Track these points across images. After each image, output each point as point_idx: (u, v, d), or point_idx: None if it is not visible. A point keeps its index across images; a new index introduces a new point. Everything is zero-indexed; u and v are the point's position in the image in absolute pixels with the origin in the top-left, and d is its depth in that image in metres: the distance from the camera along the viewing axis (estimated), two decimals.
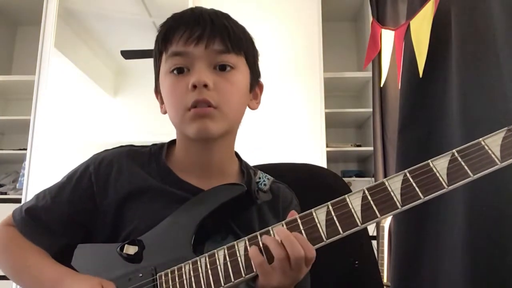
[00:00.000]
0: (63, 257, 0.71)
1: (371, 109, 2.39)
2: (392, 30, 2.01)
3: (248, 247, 0.61)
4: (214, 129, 0.70)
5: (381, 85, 2.26)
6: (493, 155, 0.56)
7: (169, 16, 0.75)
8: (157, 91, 0.78)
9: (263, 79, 0.82)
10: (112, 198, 0.72)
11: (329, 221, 0.59)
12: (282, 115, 2.33)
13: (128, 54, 2.56)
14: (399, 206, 0.57)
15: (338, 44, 3.17)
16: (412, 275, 1.45)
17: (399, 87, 1.70)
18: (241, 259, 0.60)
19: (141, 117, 2.46)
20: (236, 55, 0.72)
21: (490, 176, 0.57)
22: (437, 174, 0.57)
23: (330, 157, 2.50)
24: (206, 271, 0.61)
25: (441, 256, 1.33)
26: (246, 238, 0.62)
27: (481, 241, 1.14)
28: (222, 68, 0.71)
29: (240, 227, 0.72)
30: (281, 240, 0.58)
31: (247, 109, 0.79)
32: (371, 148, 2.37)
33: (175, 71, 0.71)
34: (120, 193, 0.72)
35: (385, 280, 1.80)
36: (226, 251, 0.62)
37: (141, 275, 0.65)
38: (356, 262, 0.92)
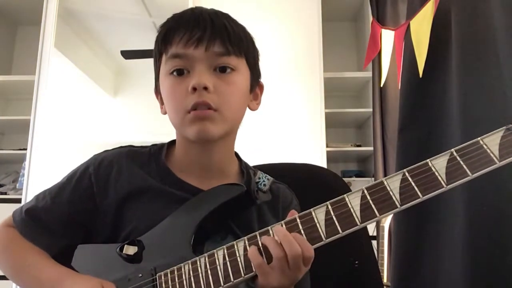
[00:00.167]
0: (63, 257, 0.71)
1: (371, 109, 2.39)
2: (392, 30, 2.01)
3: (248, 247, 0.61)
4: (214, 131, 0.70)
5: (381, 85, 2.26)
6: (491, 154, 0.56)
7: (169, 16, 0.74)
8: (157, 91, 0.78)
9: (263, 79, 0.82)
10: (112, 198, 0.72)
11: (328, 220, 0.59)
12: (282, 115, 2.33)
13: (128, 54, 2.56)
14: (398, 206, 0.57)
15: (338, 44, 3.17)
16: (412, 275, 1.45)
17: (399, 87, 1.70)
18: (240, 259, 0.60)
19: (141, 117, 2.45)
20: (237, 57, 0.71)
21: (490, 176, 0.57)
22: (436, 173, 0.57)
23: (330, 157, 2.50)
24: (206, 271, 0.61)
25: (441, 256, 1.33)
26: (245, 238, 0.62)
27: (481, 240, 1.14)
28: (222, 70, 0.70)
29: (239, 227, 0.72)
30: (279, 240, 0.58)
31: (247, 109, 0.79)
32: (371, 148, 2.37)
33: (175, 73, 0.70)
34: (120, 194, 0.72)
35: (385, 280, 1.80)
36: (225, 251, 0.62)
37: (140, 275, 0.65)
38: (356, 262, 0.92)
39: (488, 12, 1.19)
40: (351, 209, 0.59)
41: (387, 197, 0.58)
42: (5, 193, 2.79)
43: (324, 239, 0.59)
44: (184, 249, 0.65)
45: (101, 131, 2.48)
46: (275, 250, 0.58)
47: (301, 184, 0.87)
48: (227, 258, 0.61)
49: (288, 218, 0.62)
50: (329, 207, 0.60)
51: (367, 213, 0.58)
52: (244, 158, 0.84)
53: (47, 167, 2.31)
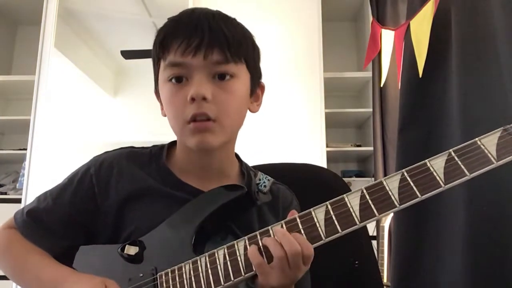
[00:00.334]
0: (65, 258, 0.71)
1: (371, 109, 2.39)
2: (392, 30, 2.02)
3: (248, 247, 0.61)
4: (214, 142, 0.70)
5: (381, 85, 2.26)
6: (489, 155, 0.57)
7: (169, 16, 0.74)
8: (157, 92, 0.78)
9: (263, 79, 0.82)
10: (113, 199, 0.73)
11: (328, 220, 0.60)
12: (282, 115, 2.33)
13: (128, 54, 2.56)
14: (397, 205, 0.58)
15: (338, 44, 3.17)
16: (412, 275, 1.45)
17: (399, 87, 1.71)
18: (241, 258, 0.61)
19: (141, 117, 2.46)
20: (236, 63, 0.70)
21: (490, 175, 0.57)
22: (434, 173, 0.58)
23: (330, 157, 2.50)
24: (206, 271, 0.61)
25: (441, 256, 1.33)
26: (246, 237, 0.62)
27: (481, 240, 1.14)
28: (221, 77, 0.69)
29: (240, 228, 0.72)
30: (279, 239, 0.58)
31: (248, 111, 0.79)
32: (371, 148, 2.37)
33: (173, 80, 0.70)
34: (121, 195, 0.73)
35: (385, 280, 1.80)
36: (226, 251, 0.62)
37: (141, 275, 0.65)
38: (356, 262, 0.92)
39: (488, 12, 1.19)
40: (351, 209, 0.59)
41: (386, 197, 0.59)
42: (5, 193, 2.79)
43: (323, 238, 0.59)
44: (185, 250, 0.65)
45: (101, 131, 2.48)
46: (276, 250, 0.58)
47: (301, 184, 0.87)
48: (227, 258, 0.61)
49: (288, 218, 0.62)
50: (329, 207, 0.61)
51: (366, 213, 0.59)
52: (244, 158, 0.84)
53: (47, 167, 2.31)
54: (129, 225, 0.71)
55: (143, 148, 0.80)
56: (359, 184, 2.79)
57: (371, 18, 2.38)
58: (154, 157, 0.78)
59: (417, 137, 1.51)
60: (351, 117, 2.99)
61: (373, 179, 2.41)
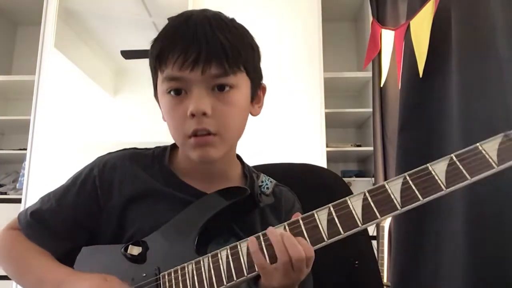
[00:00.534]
0: (68, 259, 0.71)
1: (371, 109, 2.39)
2: (392, 30, 2.02)
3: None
4: (215, 155, 0.70)
5: (381, 85, 2.26)
6: (490, 160, 0.58)
7: (169, 16, 0.72)
8: (157, 96, 0.78)
9: (263, 79, 0.81)
10: (116, 200, 0.73)
11: (330, 222, 0.60)
12: (282, 115, 2.33)
13: (128, 54, 2.56)
14: (399, 208, 0.59)
15: (338, 44, 3.17)
16: (412, 275, 1.45)
17: (399, 87, 1.71)
18: (243, 259, 0.61)
19: (141, 117, 2.45)
20: (235, 74, 0.69)
21: (490, 176, 0.58)
22: (436, 177, 0.59)
23: (330, 157, 2.50)
24: (209, 271, 0.62)
25: (441, 256, 1.33)
26: (248, 238, 0.62)
27: (481, 241, 1.14)
28: (221, 88, 0.68)
29: (242, 229, 0.72)
30: (285, 243, 0.59)
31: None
32: (371, 148, 2.37)
33: (172, 93, 0.69)
34: (124, 196, 0.73)
35: (385, 280, 1.80)
36: (228, 251, 0.62)
37: (144, 275, 0.65)
38: (356, 262, 0.92)
39: (488, 12, 1.19)
40: (353, 211, 0.60)
41: (388, 200, 0.60)
42: (5, 193, 2.79)
43: (326, 240, 0.60)
44: (188, 250, 0.66)
45: (101, 131, 2.48)
46: (281, 254, 0.58)
47: (301, 184, 0.87)
48: (230, 258, 0.62)
49: (291, 220, 0.63)
50: (331, 209, 0.61)
51: (368, 215, 0.60)
52: (244, 158, 0.84)
53: (47, 167, 2.31)
54: (132, 226, 0.71)
55: (146, 149, 0.80)
56: (359, 184, 2.80)
57: (371, 18, 2.38)
58: (157, 158, 0.78)
59: (417, 137, 1.51)
60: (351, 117, 2.99)
61: (373, 179, 2.41)
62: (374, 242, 1.97)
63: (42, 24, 2.48)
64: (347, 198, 0.61)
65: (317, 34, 2.47)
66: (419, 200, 0.58)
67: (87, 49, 2.66)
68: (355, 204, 0.60)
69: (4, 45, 3.19)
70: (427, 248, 1.41)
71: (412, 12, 1.69)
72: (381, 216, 0.59)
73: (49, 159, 2.32)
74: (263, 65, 0.80)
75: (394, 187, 0.60)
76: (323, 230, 0.60)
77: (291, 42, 2.47)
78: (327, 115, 2.42)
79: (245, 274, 0.60)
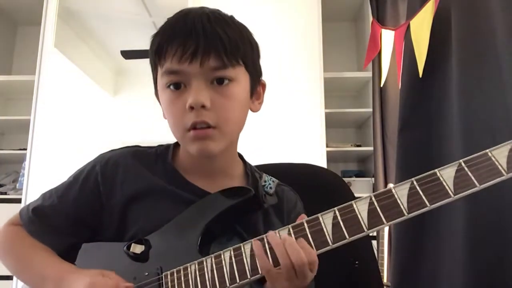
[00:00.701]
0: (69, 255, 0.71)
1: (371, 109, 2.39)
2: (392, 30, 2.02)
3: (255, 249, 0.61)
4: (215, 148, 0.70)
5: (381, 85, 2.26)
6: (499, 166, 0.57)
7: (169, 16, 0.73)
8: (157, 95, 0.78)
9: (263, 79, 0.81)
10: (118, 198, 0.73)
11: (335, 226, 0.60)
12: (282, 115, 2.33)
13: (128, 54, 2.56)
14: (406, 213, 0.58)
15: (338, 44, 3.17)
16: (412, 275, 1.45)
17: (399, 87, 1.71)
18: (247, 261, 0.61)
19: (141, 117, 2.46)
20: (233, 67, 0.69)
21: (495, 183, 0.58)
22: (444, 183, 0.58)
23: (330, 157, 2.50)
24: (212, 272, 0.61)
25: (441, 256, 1.33)
26: (252, 240, 0.62)
27: (481, 240, 1.14)
28: (220, 81, 0.69)
29: (246, 229, 0.72)
30: (286, 248, 0.58)
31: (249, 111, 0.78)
32: (371, 148, 2.37)
33: (171, 87, 0.69)
34: (126, 193, 0.73)
35: (385, 280, 1.80)
36: (232, 253, 0.62)
37: (146, 274, 0.65)
38: (356, 262, 0.92)
39: (488, 12, 1.19)
40: (359, 216, 0.59)
41: (395, 205, 0.59)
42: (5, 193, 2.78)
43: (330, 244, 0.59)
44: (191, 250, 0.66)
45: (101, 131, 2.48)
46: (283, 259, 0.58)
47: (301, 184, 0.87)
48: (233, 260, 0.61)
49: (295, 223, 0.62)
50: (337, 212, 0.61)
51: (374, 220, 0.59)
52: (244, 158, 0.84)
53: (47, 167, 2.31)
54: (134, 223, 0.71)
55: (148, 147, 0.80)
56: (359, 184, 2.80)
57: (371, 18, 2.38)
58: (160, 156, 0.78)
59: (417, 137, 1.51)
60: (351, 117, 2.98)
61: (373, 179, 2.41)
62: (374, 242, 1.97)
63: (42, 24, 2.48)
64: (352, 202, 0.61)
65: (317, 34, 2.47)
66: (426, 206, 0.57)
67: (87, 49, 2.66)
68: (361, 209, 0.60)
69: (4, 45, 3.19)
70: (427, 248, 1.41)
71: (412, 12, 1.70)
72: (387, 222, 0.58)
73: (49, 159, 2.32)
74: (263, 65, 0.80)
75: (400, 192, 0.59)
76: (328, 234, 0.59)
77: (291, 42, 2.47)
78: (327, 115, 2.42)
79: (248, 277, 0.60)
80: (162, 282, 0.64)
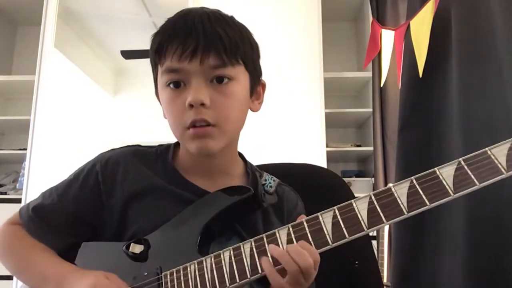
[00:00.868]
0: (69, 254, 0.71)
1: (371, 109, 2.39)
2: (392, 30, 2.02)
3: (254, 249, 0.61)
4: (214, 147, 0.70)
5: (381, 85, 2.26)
6: (499, 165, 0.56)
7: (169, 16, 0.73)
8: (158, 94, 0.78)
9: (263, 79, 0.81)
10: (118, 197, 0.73)
11: (335, 225, 0.60)
12: (282, 115, 2.33)
13: (128, 54, 2.56)
14: (405, 212, 0.58)
15: (338, 44, 3.17)
16: (412, 275, 1.45)
17: (399, 87, 1.71)
18: (246, 261, 0.61)
19: (141, 117, 2.46)
20: (233, 66, 0.69)
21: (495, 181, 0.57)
22: (444, 182, 0.58)
23: (330, 157, 2.50)
24: (212, 271, 0.61)
25: (441, 256, 1.33)
26: (252, 240, 0.62)
27: (481, 240, 1.14)
28: (219, 80, 0.69)
29: (245, 228, 0.72)
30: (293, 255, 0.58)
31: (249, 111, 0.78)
32: (371, 148, 2.37)
33: (171, 85, 0.70)
34: (126, 192, 0.73)
35: (385, 280, 1.80)
36: (231, 252, 0.62)
37: (146, 273, 0.65)
38: (356, 262, 0.92)
39: (488, 12, 1.19)
40: (358, 215, 0.59)
41: (395, 204, 0.58)
42: (5, 193, 2.78)
43: (330, 243, 0.59)
44: (190, 250, 0.65)
45: (101, 131, 2.48)
46: (289, 266, 0.58)
47: (301, 184, 0.87)
48: (233, 259, 0.61)
49: (295, 222, 0.62)
50: (336, 211, 0.60)
51: (374, 219, 0.59)
52: (245, 157, 0.84)
53: (47, 167, 2.31)
54: (134, 223, 0.71)
55: (149, 147, 0.80)
56: (359, 184, 2.80)
57: (371, 18, 2.38)
58: (160, 156, 0.78)
59: (417, 137, 1.51)
60: (351, 117, 2.98)
61: (373, 179, 2.41)
62: (374, 242, 1.97)
63: (42, 24, 2.48)
64: (352, 201, 0.60)
65: (317, 34, 2.47)
66: (426, 205, 0.57)
67: (87, 49, 2.66)
68: (361, 208, 0.59)
69: (4, 45, 3.19)
70: (427, 248, 1.41)
71: (412, 12, 1.70)
72: (387, 221, 0.58)
73: (49, 159, 2.32)
74: (263, 65, 0.80)
75: (400, 191, 0.59)
76: (328, 233, 0.59)
77: (291, 42, 2.47)
78: (327, 115, 2.42)
79: (248, 276, 0.60)
80: (162, 282, 0.63)
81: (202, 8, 0.73)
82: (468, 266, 1.16)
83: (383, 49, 2.17)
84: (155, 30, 0.73)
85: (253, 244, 0.62)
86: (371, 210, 0.59)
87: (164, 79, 0.70)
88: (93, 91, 2.57)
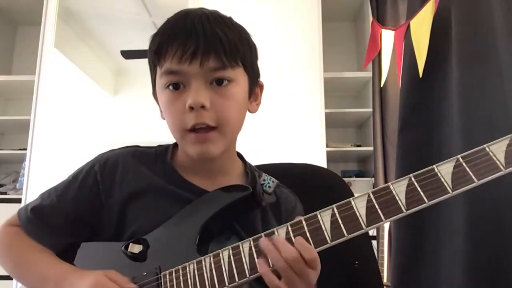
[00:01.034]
0: (68, 255, 0.71)
1: (371, 109, 2.39)
2: (392, 30, 2.02)
3: (253, 248, 0.61)
4: (215, 151, 0.70)
5: (381, 85, 2.26)
6: (497, 162, 0.56)
7: (169, 16, 0.73)
8: (155, 95, 0.78)
9: (263, 79, 0.81)
10: (117, 197, 0.73)
11: (333, 223, 0.59)
12: (282, 115, 2.33)
13: (128, 54, 2.56)
14: (404, 210, 0.58)
15: (338, 44, 3.17)
16: (412, 275, 1.45)
17: (399, 87, 1.71)
18: (245, 260, 0.61)
19: (141, 117, 2.45)
20: (233, 68, 0.69)
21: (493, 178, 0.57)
22: (442, 179, 0.57)
23: (330, 157, 2.50)
24: (211, 271, 0.61)
25: (441, 256, 1.33)
26: (251, 239, 0.62)
27: (481, 240, 1.14)
28: (219, 82, 0.69)
29: (243, 228, 0.72)
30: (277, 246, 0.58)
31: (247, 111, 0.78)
32: (371, 148, 2.37)
33: (170, 87, 0.70)
34: (125, 192, 0.73)
35: (385, 280, 1.80)
36: (230, 251, 0.62)
37: (145, 273, 0.65)
38: (356, 262, 0.92)
39: (488, 12, 1.19)
40: (357, 213, 0.59)
41: (393, 202, 0.58)
42: (5, 193, 2.78)
43: (329, 241, 0.59)
44: (189, 249, 0.65)
45: (101, 131, 2.48)
46: (275, 262, 0.58)
47: (301, 184, 0.87)
48: (232, 258, 0.61)
49: (294, 221, 0.62)
50: (335, 210, 0.60)
51: (372, 217, 0.58)
52: (244, 157, 0.84)
53: (47, 167, 2.31)
54: (133, 222, 0.71)
55: (148, 147, 0.80)
56: (359, 184, 2.80)
57: (371, 18, 2.38)
58: (159, 156, 0.78)
59: (417, 137, 1.51)
60: (351, 117, 2.99)
61: (373, 179, 2.41)
62: (374, 242, 1.97)
63: (42, 24, 2.48)
64: (351, 199, 0.60)
65: (317, 34, 2.47)
66: (424, 202, 0.57)
67: (87, 49, 2.66)
68: (359, 206, 0.59)
69: (4, 45, 3.19)
70: (427, 248, 1.41)
71: (412, 12, 1.69)
72: (385, 219, 0.58)
73: (49, 159, 2.32)
74: (263, 65, 0.80)
75: (399, 189, 0.58)
76: (326, 231, 0.59)
77: (291, 42, 2.47)
78: (327, 115, 2.42)
79: (247, 275, 0.60)
80: (161, 282, 0.63)
81: (200, 9, 0.73)
82: (468, 266, 1.16)
83: (383, 49, 2.17)
84: (155, 30, 0.73)
85: (251, 243, 0.62)
86: (369, 208, 0.59)
87: (163, 81, 0.70)
88: (93, 91, 2.57)
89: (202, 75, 0.68)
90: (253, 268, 0.60)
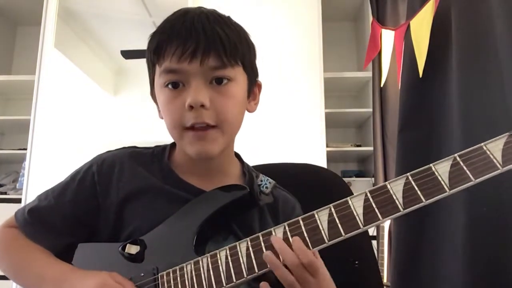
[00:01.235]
0: (66, 256, 0.71)
1: (371, 109, 2.39)
2: (392, 30, 2.02)
3: (251, 248, 0.61)
4: (214, 150, 0.70)
5: (381, 85, 2.26)
6: (494, 160, 0.56)
7: (168, 16, 0.73)
8: (153, 94, 0.78)
9: (263, 79, 0.81)
10: (114, 197, 0.73)
11: (331, 223, 0.59)
12: (282, 115, 2.33)
13: (128, 54, 2.56)
14: (401, 209, 0.57)
15: (338, 44, 3.17)
16: (412, 275, 1.45)
17: (399, 87, 1.71)
18: (243, 260, 0.61)
19: (141, 117, 2.45)
20: (232, 67, 0.69)
21: (491, 177, 0.57)
22: (439, 178, 0.57)
23: (330, 157, 2.50)
24: (208, 271, 0.61)
25: (441, 256, 1.33)
26: (248, 239, 0.62)
27: (481, 240, 1.14)
28: (219, 81, 0.69)
29: (241, 228, 0.72)
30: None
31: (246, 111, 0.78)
32: (371, 148, 2.37)
33: (170, 86, 0.69)
34: (122, 193, 0.73)
35: (385, 280, 1.80)
36: (228, 252, 0.62)
37: (142, 274, 0.65)
38: (356, 262, 0.92)
39: (488, 12, 1.19)
40: (354, 212, 0.59)
41: (390, 201, 0.58)
42: (5, 193, 2.78)
43: (326, 241, 0.59)
44: (186, 250, 0.65)
45: (101, 131, 2.48)
46: (290, 259, 0.58)
47: (301, 184, 0.87)
48: (229, 259, 0.61)
49: (291, 220, 0.62)
50: (332, 209, 0.60)
51: (370, 216, 0.58)
52: (244, 158, 0.84)
53: (47, 167, 2.30)
54: (130, 223, 0.71)
55: (145, 148, 0.80)
56: (359, 184, 2.80)
57: (371, 18, 2.38)
58: (157, 157, 0.78)
59: (417, 137, 1.50)
60: (351, 117, 2.99)
61: (373, 179, 2.41)
62: (374, 242, 1.97)
63: (42, 24, 2.48)
64: (348, 198, 0.60)
65: (317, 34, 2.47)
66: (421, 201, 0.57)
67: (87, 49, 2.66)
68: (356, 205, 0.59)
69: (4, 45, 3.19)
70: (427, 248, 1.41)
71: (412, 12, 1.69)
72: (382, 218, 0.58)
73: (49, 159, 2.32)
74: (263, 65, 0.80)
75: (396, 188, 0.58)
76: (324, 231, 0.59)
77: (291, 42, 2.47)
78: (327, 115, 2.42)
79: (245, 276, 0.60)
80: (158, 283, 0.63)
81: (199, 8, 0.73)
82: (468, 266, 1.16)
83: (383, 49, 2.17)
84: None
85: (249, 243, 0.62)
86: (366, 207, 0.59)
87: (163, 80, 0.70)
88: (93, 91, 2.57)
89: (202, 74, 0.67)
90: (250, 268, 0.60)
